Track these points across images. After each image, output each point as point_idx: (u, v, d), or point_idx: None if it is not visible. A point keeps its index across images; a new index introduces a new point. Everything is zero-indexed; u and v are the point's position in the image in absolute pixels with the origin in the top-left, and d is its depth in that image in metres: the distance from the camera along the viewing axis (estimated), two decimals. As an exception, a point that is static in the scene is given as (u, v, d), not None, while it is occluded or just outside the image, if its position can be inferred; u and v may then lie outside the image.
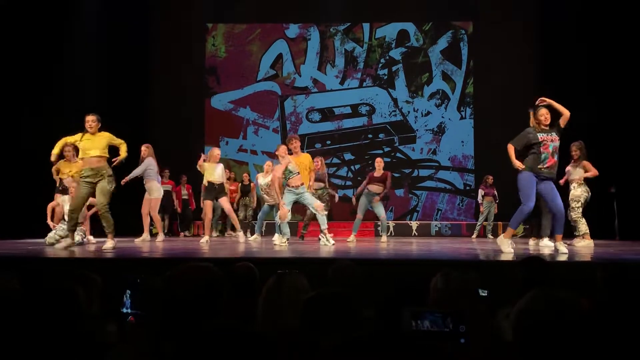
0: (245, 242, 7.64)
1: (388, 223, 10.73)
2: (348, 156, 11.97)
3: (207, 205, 7.88)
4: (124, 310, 2.20)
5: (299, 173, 6.99)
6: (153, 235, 8.58)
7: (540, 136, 5.47)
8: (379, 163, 8.19)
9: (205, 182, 7.91)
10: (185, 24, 11.70)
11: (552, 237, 5.98)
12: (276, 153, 7.62)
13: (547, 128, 5.54)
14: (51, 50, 9.38)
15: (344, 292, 1.64)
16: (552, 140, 5.48)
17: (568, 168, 7.17)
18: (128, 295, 2.19)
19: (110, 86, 10.02)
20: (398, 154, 11.76)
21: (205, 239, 7.56)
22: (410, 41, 12.08)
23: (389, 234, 10.54)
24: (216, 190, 7.85)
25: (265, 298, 1.79)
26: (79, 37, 9.90)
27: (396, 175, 10.93)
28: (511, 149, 5.56)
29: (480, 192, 10.31)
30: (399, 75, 12.07)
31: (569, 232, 7.07)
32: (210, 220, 8.07)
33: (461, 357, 1.72)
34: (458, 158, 11.87)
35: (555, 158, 5.49)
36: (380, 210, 8.05)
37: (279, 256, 5.29)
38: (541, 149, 5.43)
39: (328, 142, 12.01)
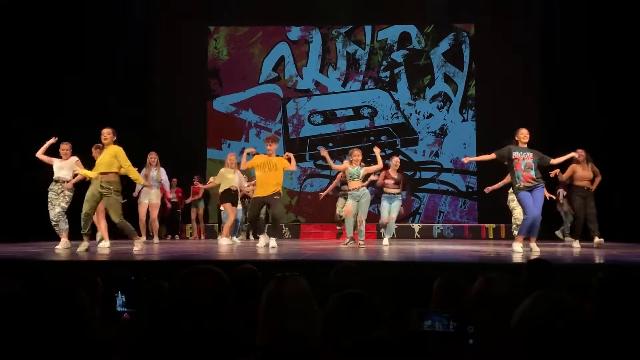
0: (245, 246, 7.64)
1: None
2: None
3: (228, 207, 8.10)
4: (118, 308, 2.21)
5: (358, 176, 7.15)
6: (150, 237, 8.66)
7: (515, 154, 6.07)
8: (397, 164, 8.07)
9: (221, 189, 8.15)
10: (187, 26, 11.72)
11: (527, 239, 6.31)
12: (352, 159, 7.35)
13: (524, 147, 6.14)
14: (51, 53, 9.40)
15: (369, 294, 1.69)
16: (524, 159, 6.06)
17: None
18: (120, 294, 2.20)
19: (111, 88, 10.04)
20: (400, 156, 11.73)
21: (225, 240, 7.76)
22: (412, 43, 12.08)
23: (391, 236, 10.51)
24: (232, 196, 8.09)
25: (266, 302, 1.78)
26: (79, 39, 9.92)
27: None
28: (489, 155, 6.30)
29: (562, 192, 9.47)
30: (401, 78, 12.07)
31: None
32: (233, 223, 8.17)
33: (469, 357, 1.71)
34: (460, 160, 11.84)
35: (531, 172, 6.04)
36: (395, 210, 7.97)
37: (281, 259, 5.29)
38: (514, 166, 6.05)
39: (330, 144, 11.99)
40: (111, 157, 5.89)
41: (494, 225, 10.85)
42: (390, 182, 7.90)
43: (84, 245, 5.87)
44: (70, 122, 9.03)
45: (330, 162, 7.66)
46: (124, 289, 2.28)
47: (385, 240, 7.88)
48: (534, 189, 6.03)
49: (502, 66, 11.14)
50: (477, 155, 6.44)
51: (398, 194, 7.99)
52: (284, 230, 11.02)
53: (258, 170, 6.84)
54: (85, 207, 5.90)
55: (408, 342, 0.93)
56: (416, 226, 11.00)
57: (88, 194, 5.97)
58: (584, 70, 9.72)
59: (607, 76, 9.34)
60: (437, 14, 11.68)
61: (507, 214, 10.64)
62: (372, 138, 11.92)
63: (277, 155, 7.05)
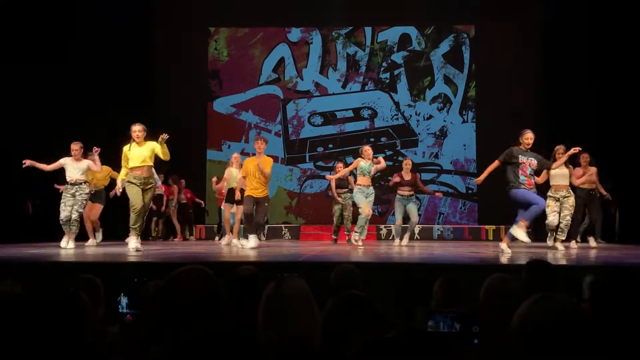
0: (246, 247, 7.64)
1: (390, 227, 10.72)
2: (350, 160, 11.93)
3: (227, 208, 8.13)
4: (121, 310, 2.21)
5: (369, 173, 7.25)
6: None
7: (521, 158, 5.95)
8: (408, 165, 8.13)
9: (226, 188, 8.23)
10: (187, 28, 11.72)
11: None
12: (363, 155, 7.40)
13: (528, 151, 6.03)
14: (52, 52, 9.41)
15: (369, 295, 1.69)
16: (530, 164, 5.97)
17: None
18: (125, 296, 2.20)
19: (112, 89, 10.04)
20: (400, 158, 11.75)
21: (225, 241, 7.94)
22: (412, 45, 12.09)
23: (390, 237, 10.53)
24: (234, 196, 8.03)
25: (265, 303, 1.78)
26: (80, 40, 9.93)
27: (398, 179, 10.91)
28: (494, 164, 6.13)
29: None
30: (401, 79, 12.07)
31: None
32: (228, 222, 8.22)
33: (474, 358, 1.71)
34: (460, 162, 11.86)
35: (533, 179, 6.02)
36: (414, 213, 8.04)
37: (280, 260, 5.29)
38: (520, 170, 5.92)
39: (330, 145, 12.01)
40: (150, 151, 6.11)
41: (493, 227, 10.85)
42: (404, 190, 7.97)
43: (133, 240, 6.02)
44: (69, 122, 9.04)
45: (345, 172, 7.76)
46: (126, 290, 2.28)
47: (405, 241, 7.99)
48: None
49: (502, 67, 11.15)
50: (485, 170, 6.26)
51: (411, 196, 8.04)
52: (283, 232, 11.03)
53: (250, 175, 6.84)
54: (137, 205, 6.02)
55: (410, 342, 0.93)
56: (416, 227, 10.98)
57: (134, 194, 6.10)
58: (585, 72, 9.72)
59: (608, 77, 9.35)
60: (437, 15, 11.69)
61: (507, 215, 10.66)
62: (372, 139, 11.92)
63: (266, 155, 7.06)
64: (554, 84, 10.41)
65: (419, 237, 10.78)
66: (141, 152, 6.08)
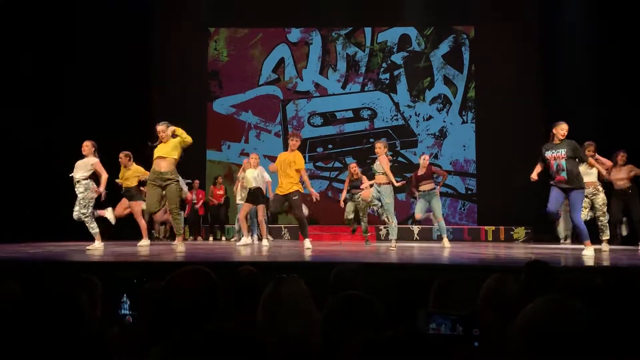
0: (252, 247, 7.67)
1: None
2: (350, 160, 11.95)
3: (246, 207, 8.08)
4: (122, 312, 2.21)
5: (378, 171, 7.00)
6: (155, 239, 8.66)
7: (547, 154, 5.68)
8: (425, 160, 8.03)
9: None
10: (187, 28, 11.73)
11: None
12: (377, 151, 7.16)
13: (559, 143, 5.66)
14: (51, 50, 9.41)
15: (368, 295, 1.70)
16: (555, 158, 5.62)
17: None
18: (125, 297, 2.20)
19: (112, 90, 10.04)
20: (400, 159, 11.76)
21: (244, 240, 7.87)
22: (412, 45, 12.10)
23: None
24: (252, 195, 7.96)
25: (264, 304, 1.78)
26: (80, 40, 9.93)
27: (398, 179, 10.91)
28: (537, 166, 5.86)
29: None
30: (401, 80, 12.08)
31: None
32: (243, 222, 8.14)
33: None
34: (460, 162, 11.87)
35: (562, 175, 5.59)
36: (438, 210, 7.84)
37: (280, 260, 5.29)
38: (548, 167, 5.70)
39: (330, 146, 12.02)
40: (173, 146, 5.98)
41: (493, 228, 10.87)
42: (424, 185, 7.83)
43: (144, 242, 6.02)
44: (69, 122, 9.04)
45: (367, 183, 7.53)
46: (126, 291, 2.28)
47: (445, 242, 7.75)
48: (569, 192, 5.59)
49: (501, 68, 11.16)
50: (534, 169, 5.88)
51: (432, 190, 7.84)
52: (283, 232, 11.02)
53: (279, 168, 6.78)
54: (150, 208, 5.96)
55: (410, 343, 0.93)
56: (415, 228, 10.98)
57: (147, 196, 6.05)
58: (584, 73, 9.72)
59: (608, 78, 9.35)
60: (437, 16, 11.70)
61: (506, 216, 10.67)
62: (371, 140, 11.92)
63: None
64: (554, 84, 10.42)
65: (418, 238, 10.78)
66: (164, 147, 6.01)
